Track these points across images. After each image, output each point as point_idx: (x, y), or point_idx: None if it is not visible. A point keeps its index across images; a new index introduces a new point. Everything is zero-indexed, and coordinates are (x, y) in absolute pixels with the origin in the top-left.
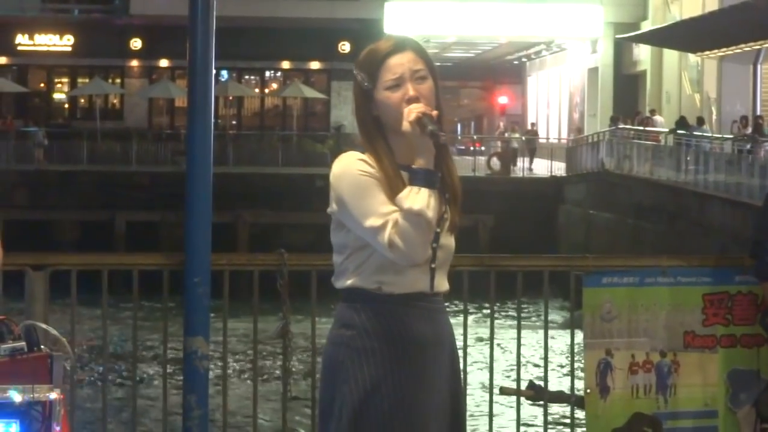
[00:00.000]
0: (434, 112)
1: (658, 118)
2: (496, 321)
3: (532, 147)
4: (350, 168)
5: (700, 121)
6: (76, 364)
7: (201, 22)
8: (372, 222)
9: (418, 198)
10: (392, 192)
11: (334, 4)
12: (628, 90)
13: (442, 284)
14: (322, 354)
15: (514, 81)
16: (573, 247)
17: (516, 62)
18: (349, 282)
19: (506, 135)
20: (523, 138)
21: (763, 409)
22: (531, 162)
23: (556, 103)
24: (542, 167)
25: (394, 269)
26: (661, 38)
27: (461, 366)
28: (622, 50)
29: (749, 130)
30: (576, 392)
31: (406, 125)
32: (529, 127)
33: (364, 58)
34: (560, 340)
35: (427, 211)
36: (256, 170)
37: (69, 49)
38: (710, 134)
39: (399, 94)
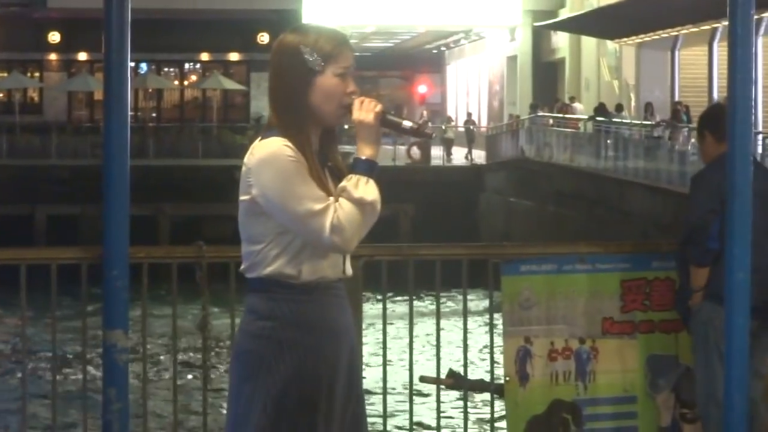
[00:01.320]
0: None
1: (577, 105)
2: (416, 310)
3: (470, 137)
4: (279, 154)
5: (619, 107)
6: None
7: (116, 14)
8: (311, 206)
9: (369, 188)
10: (315, 180)
11: None
12: (547, 77)
13: (348, 269)
14: (235, 346)
15: (434, 70)
16: (494, 234)
17: (435, 51)
18: (267, 270)
19: (447, 125)
20: (462, 128)
21: (681, 393)
22: (470, 152)
23: (475, 91)
24: (462, 155)
25: (313, 255)
26: (579, 25)
27: (384, 355)
28: (540, 38)
29: (657, 117)
30: (496, 380)
31: (365, 116)
32: (467, 117)
33: (320, 38)
34: (480, 328)
35: (378, 202)
36: (177, 162)
37: None
38: (629, 121)
39: (343, 84)
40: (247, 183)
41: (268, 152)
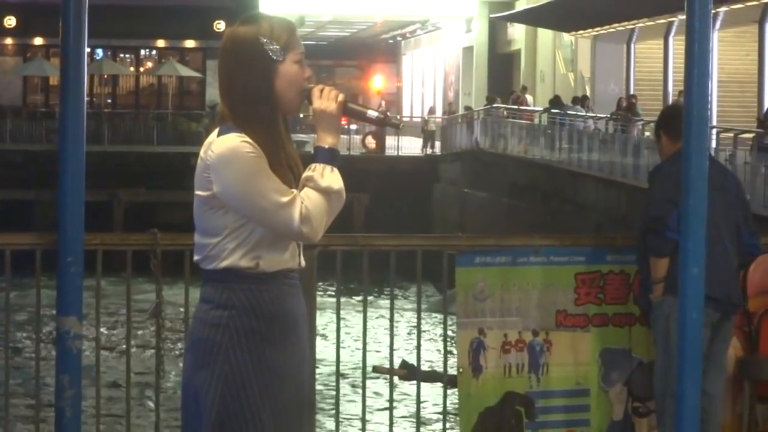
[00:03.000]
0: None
1: (528, 97)
2: (370, 301)
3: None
4: (239, 150)
5: (580, 100)
6: None
7: None
8: (277, 199)
9: (335, 177)
10: (274, 171)
11: None
12: (502, 69)
13: (302, 260)
14: (191, 335)
15: (390, 60)
16: (448, 225)
17: (391, 41)
18: (225, 263)
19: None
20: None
21: (634, 387)
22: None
23: (431, 82)
24: (417, 146)
25: (271, 247)
26: (535, 18)
27: (337, 346)
28: (496, 29)
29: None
30: (449, 371)
31: (327, 105)
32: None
33: (275, 27)
34: (434, 319)
35: (344, 190)
36: (132, 149)
37: None
38: (584, 113)
39: (301, 71)
40: (205, 179)
41: (228, 149)
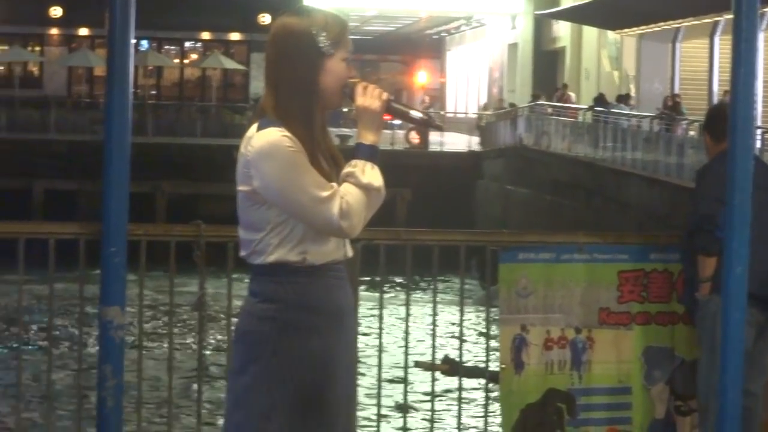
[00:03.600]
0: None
1: (571, 94)
2: (413, 295)
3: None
4: (278, 145)
5: (623, 98)
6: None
7: None
8: (317, 194)
9: (375, 174)
10: (314, 166)
11: None
12: (547, 66)
13: (349, 251)
14: (238, 327)
15: (434, 56)
16: (490, 222)
17: (436, 37)
18: (272, 258)
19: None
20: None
21: (676, 386)
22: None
23: (475, 78)
24: (460, 142)
25: (316, 240)
26: (581, 15)
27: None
28: (541, 26)
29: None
30: (491, 367)
31: (370, 102)
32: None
33: (327, 21)
34: (476, 315)
35: (383, 187)
36: (175, 141)
37: None
38: (628, 111)
39: (347, 69)
40: (246, 174)
41: (267, 143)
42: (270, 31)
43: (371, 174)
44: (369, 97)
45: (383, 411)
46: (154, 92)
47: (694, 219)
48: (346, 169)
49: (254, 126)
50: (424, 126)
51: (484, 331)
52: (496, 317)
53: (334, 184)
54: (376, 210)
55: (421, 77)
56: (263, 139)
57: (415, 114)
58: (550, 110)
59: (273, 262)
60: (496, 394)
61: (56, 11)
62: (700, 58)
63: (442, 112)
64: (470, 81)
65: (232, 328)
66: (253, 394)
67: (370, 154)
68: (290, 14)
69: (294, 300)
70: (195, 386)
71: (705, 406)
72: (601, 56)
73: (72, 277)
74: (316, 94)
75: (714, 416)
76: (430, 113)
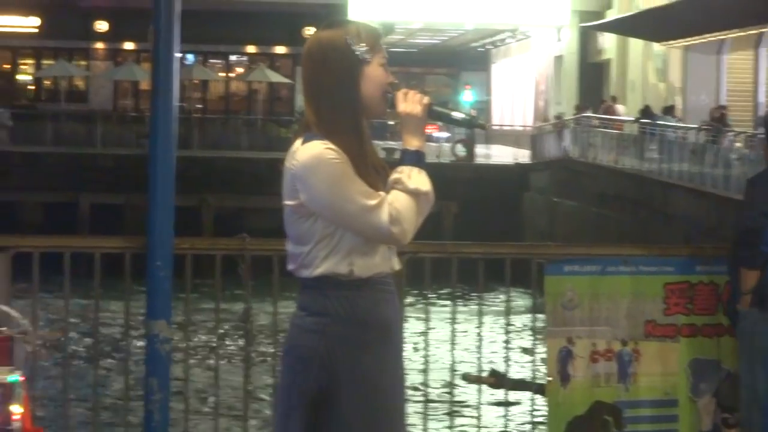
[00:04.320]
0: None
1: (619, 106)
2: (459, 308)
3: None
4: (323, 157)
5: (669, 110)
6: (37, 346)
7: (165, 4)
8: (365, 202)
9: (422, 179)
10: (360, 175)
11: None
12: (593, 78)
13: (397, 263)
14: (287, 341)
15: (480, 68)
16: (537, 234)
17: (481, 49)
18: (319, 270)
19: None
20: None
21: (723, 398)
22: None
23: (521, 90)
24: (507, 154)
25: (363, 252)
26: (626, 27)
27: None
28: (587, 39)
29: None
30: (537, 380)
31: (412, 108)
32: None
33: (362, 30)
34: (522, 327)
35: (432, 191)
36: (221, 154)
37: (35, 30)
38: (674, 123)
39: (386, 74)
40: (293, 188)
41: (312, 156)
42: (306, 46)
43: (418, 178)
44: (410, 103)
45: (430, 424)
46: (199, 106)
47: (740, 231)
48: (393, 176)
49: (299, 140)
50: (468, 126)
51: (531, 343)
52: (543, 330)
53: (382, 193)
54: (426, 214)
55: (467, 91)
56: (308, 152)
57: (458, 115)
58: (596, 122)
59: (320, 274)
60: (542, 406)
61: (102, 25)
62: (746, 70)
63: (488, 125)
64: (516, 93)
65: (280, 339)
66: (301, 406)
67: (416, 159)
68: (323, 28)
69: (342, 314)
70: (241, 398)
71: (748, 419)
72: (647, 68)
73: (118, 291)
74: (359, 103)
75: (757, 429)
76: (476, 120)
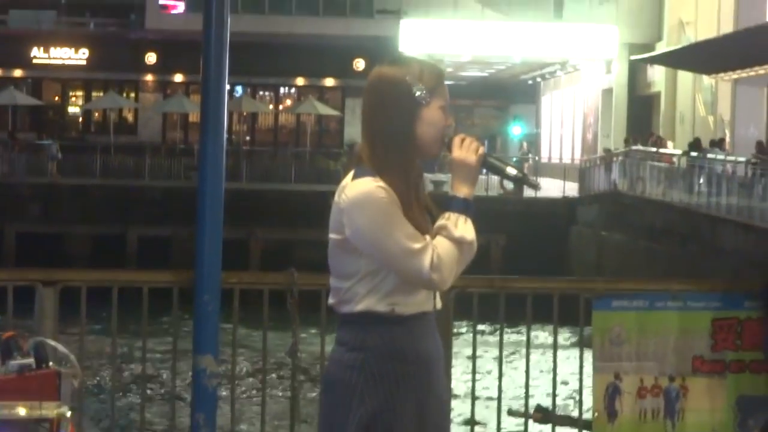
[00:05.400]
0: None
1: (669, 143)
2: (506, 342)
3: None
4: (372, 196)
5: (718, 143)
6: (84, 381)
7: (215, 37)
8: (409, 246)
9: (468, 228)
10: (407, 217)
11: (350, 21)
12: (642, 111)
13: (438, 303)
14: (326, 376)
15: (529, 101)
16: (585, 267)
17: (530, 82)
18: (359, 307)
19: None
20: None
21: None
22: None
23: (569, 123)
24: (555, 187)
25: (405, 291)
26: (676, 60)
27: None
28: (636, 71)
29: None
30: (584, 416)
31: (466, 155)
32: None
33: (423, 70)
34: (569, 363)
35: (475, 241)
36: (270, 186)
37: (84, 62)
38: (723, 157)
39: (444, 117)
40: (339, 222)
41: (361, 193)
42: (367, 80)
43: (464, 228)
44: (466, 151)
45: None
46: (248, 138)
47: None
48: (440, 222)
49: (350, 175)
50: (520, 183)
51: (578, 379)
52: (591, 365)
53: (428, 237)
54: (467, 263)
55: (517, 122)
56: (357, 188)
57: (511, 171)
58: (644, 155)
59: (361, 311)
60: None
61: (151, 57)
62: None
63: (537, 158)
64: (564, 126)
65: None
66: None
67: (464, 207)
68: (387, 64)
69: (382, 349)
70: None
71: None
72: (696, 101)
73: (166, 324)
74: (413, 145)
75: None
76: (525, 172)
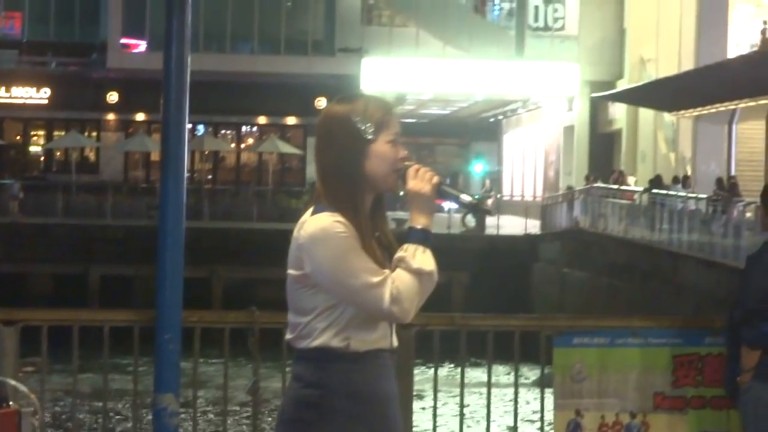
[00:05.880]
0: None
1: (630, 178)
2: (467, 380)
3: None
4: (330, 231)
5: (683, 180)
6: (44, 421)
7: (175, 76)
8: (368, 279)
9: (426, 258)
10: (365, 251)
11: (311, 60)
12: (603, 148)
13: (395, 341)
14: (282, 414)
15: (490, 138)
16: (547, 305)
17: (492, 120)
18: (316, 342)
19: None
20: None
21: None
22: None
23: (531, 160)
24: (517, 225)
25: (362, 327)
26: (637, 97)
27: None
28: (597, 109)
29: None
30: None
31: (421, 185)
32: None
33: (369, 107)
34: (531, 400)
35: (436, 271)
36: (231, 225)
37: (45, 101)
38: (684, 194)
39: (394, 150)
40: (298, 258)
41: (319, 228)
42: (318, 120)
43: (422, 258)
44: (420, 180)
45: None
46: (210, 176)
47: (741, 311)
48: (398, 254)
49: (309, 211)
50: (475, 210)
51: (539, 416)
52: (552, 402)
53: (386, 270)
54: (428, 294)
55: (478, 160)
56: (315, 224)
57: (465, 198)
58: (606, 192)
59: (317, 346)
60: None
61: (113, 96)
62: (757, 140)
63: (498, 195)
64: (527, 163)
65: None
66: None
67: (422, 237)
68: (335, 102)
69: (338, 387)
70: None
71: None
72: (658, 138)
73: (126, 363)
74: (361, 180)
75: None
76: (478, 199)
